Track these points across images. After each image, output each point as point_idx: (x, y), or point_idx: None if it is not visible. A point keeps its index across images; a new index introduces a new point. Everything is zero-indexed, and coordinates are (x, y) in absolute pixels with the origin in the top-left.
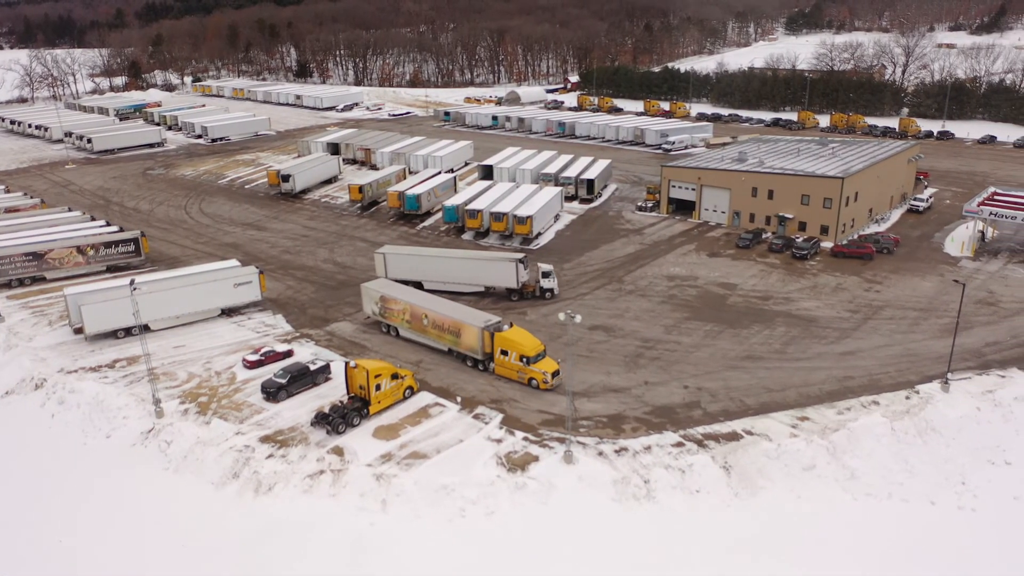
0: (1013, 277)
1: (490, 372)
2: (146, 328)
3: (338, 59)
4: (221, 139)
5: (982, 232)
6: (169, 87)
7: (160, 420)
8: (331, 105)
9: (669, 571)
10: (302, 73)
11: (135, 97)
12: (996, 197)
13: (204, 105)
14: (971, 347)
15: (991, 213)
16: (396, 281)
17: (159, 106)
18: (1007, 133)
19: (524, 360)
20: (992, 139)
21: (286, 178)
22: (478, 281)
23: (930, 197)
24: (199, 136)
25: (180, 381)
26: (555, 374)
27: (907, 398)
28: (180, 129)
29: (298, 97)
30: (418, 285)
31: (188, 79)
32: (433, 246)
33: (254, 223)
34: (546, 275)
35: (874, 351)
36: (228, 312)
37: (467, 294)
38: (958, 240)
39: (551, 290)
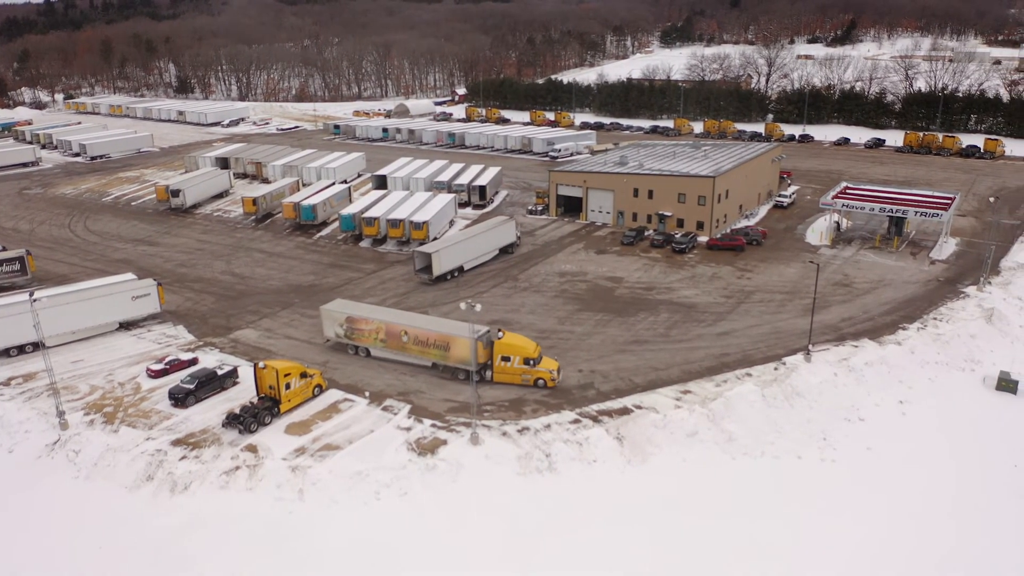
0: (864, 261)
1: (488, 381)
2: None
3: (220, 74)
4: (101, 157)
5: (838, 223)
6: (39, 105)
7: (65, 431)
8: (216, 120)
9: (570, 533)
10: (183, 89)
11: (1, 116)
12: (848, 191)
13: (80, 123)
14: (829, 323)
15: (844, 205)
16: (443, 273)
17: (30, 124)
18: (859, 135)
19: (529, 363)
20: (846, 141)
21: (176, 193)
22: (496, 245)
23: (793, 194)
24: (77, 154)
25: (83, 394)
26: (559, 371)
27: (775, 369)
28: (55, 147)
29: (181, 113)
30: (459, 269)
31: (60, 96)
32: (331, 254)
33: (145, 239)
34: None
35: (746, 330)
36: (127, 325)
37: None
38: (817, 231)
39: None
